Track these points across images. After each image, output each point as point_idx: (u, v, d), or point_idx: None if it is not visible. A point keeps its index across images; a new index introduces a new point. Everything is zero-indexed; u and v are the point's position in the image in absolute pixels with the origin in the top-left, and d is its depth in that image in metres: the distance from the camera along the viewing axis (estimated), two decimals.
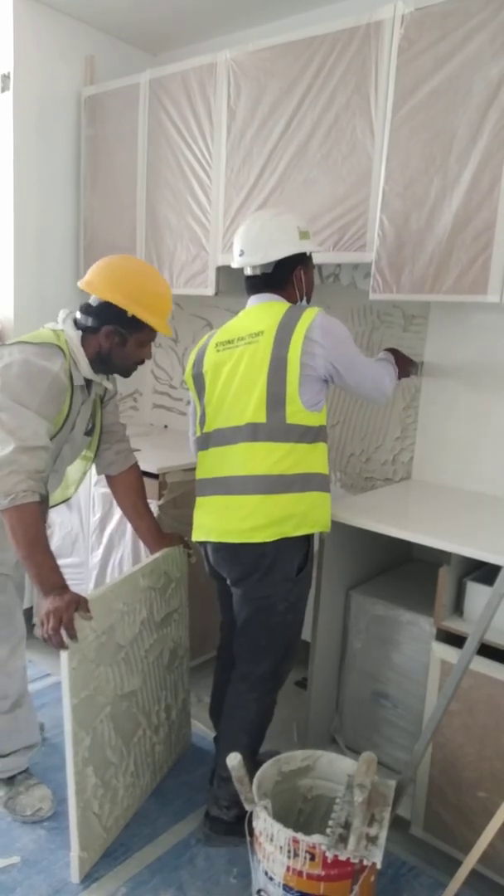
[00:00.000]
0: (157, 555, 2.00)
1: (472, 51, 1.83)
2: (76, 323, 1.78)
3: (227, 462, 1.77)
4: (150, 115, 2.68)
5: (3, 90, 2.75)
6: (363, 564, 2.17)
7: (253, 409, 1.73)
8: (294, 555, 1.77)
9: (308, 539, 1.81)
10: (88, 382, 1.83)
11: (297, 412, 1.71)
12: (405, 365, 2.11)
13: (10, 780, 1.97)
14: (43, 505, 1.62)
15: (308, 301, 1.91)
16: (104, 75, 2.95)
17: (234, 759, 1.49)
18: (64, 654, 1.58)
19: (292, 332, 1.71)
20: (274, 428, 1.71)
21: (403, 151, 1.99)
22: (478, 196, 1.87)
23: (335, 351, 1.73)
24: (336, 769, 1.69)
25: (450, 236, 1.93)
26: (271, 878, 1.48)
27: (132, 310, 1.70)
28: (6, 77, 2.73)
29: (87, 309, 1.76)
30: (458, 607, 1.82)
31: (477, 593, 1.76)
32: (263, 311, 1.81)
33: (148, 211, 2.74)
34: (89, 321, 1.75)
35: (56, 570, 1.60)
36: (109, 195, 2.89)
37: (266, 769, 1.63)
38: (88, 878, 1.74)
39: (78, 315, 1.79)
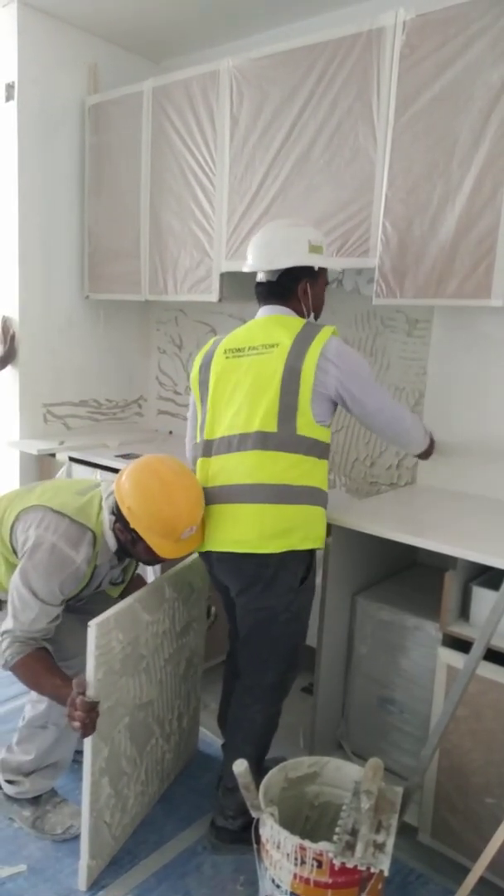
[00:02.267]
0: (182, 563, 1.99)
1: (473, 56, 1.84)
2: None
3: (232, 470, 1.76)
4: (153, 122, 2.69)
5: (7, 99, 2.77)
6: (368, 569, 2.17)
7: (262, 418, 1.72)
8: (297, 566, 1.77)
9: (311, 551, 1.80)
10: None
11: (308, 424, 1.71)
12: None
13: (36, 800, 1.94)
14: (43, 649, 1.77)
15: (316, 318, 1.90)
16: (107, 84, 2.97)
17: (240, 766, 1.48)
18: (90, 665, 1.59)
19: (308, 346, 1.72)
20: (284, 438, 1.71)
21: (406, 157, 2.00)
22: (480, 201, 1.87)
23: (349, 373, 1.72)
24: (343, 775, 1.68)
25: (453, 241, 1.93)
26: (278, 886, 1.48)
27: (137, 528, 1.69)
28: (11, 86, 2.75)
29: (114, 501, 1.76)
30: (464, 612, 1.82)
31: (483, 598, 1.76)
32: (277, 324, 1.80)
33: (152, 218, 2.75)
34: (114, 514, 1.77)
35: (63, 685, 1.66)
36: (113, 202, 2.90)
37: (272, 776, 1.62)
38: (95, 885, 1.73)
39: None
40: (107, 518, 1.78)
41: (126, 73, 3.03)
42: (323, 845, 1.41)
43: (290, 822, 1.56)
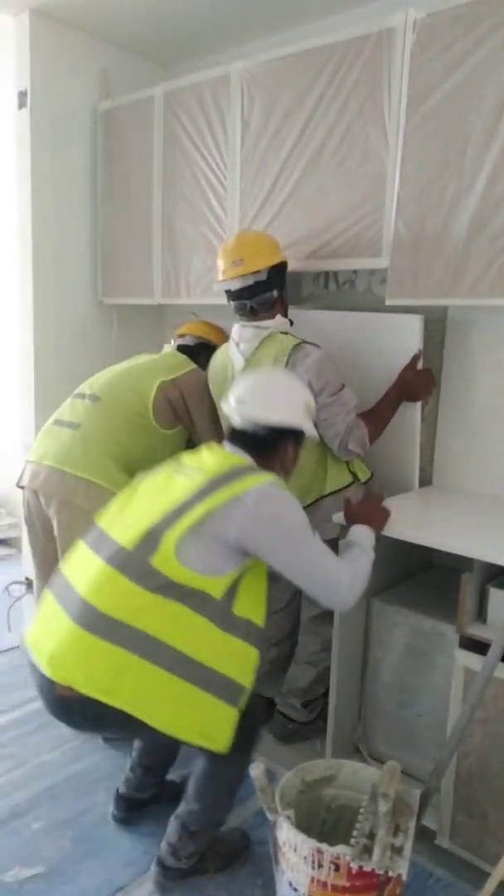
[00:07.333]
0: None
1: (484, 55, 1.83)
2: None
3: None
4: (164, 127, 2.70)
5: (20, 107, 2.80)
6: (384, 572, 2.15)
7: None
8: None
9: None
10: None
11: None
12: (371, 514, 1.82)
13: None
14: None
15: (287, 478, 1.75)
16: (119, 89, 2.99)
17: (256, 769, 1.48)
18: None
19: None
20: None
21: (417, 157, 1.99)
22: (493, 199, 1.86)
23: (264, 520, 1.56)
24: (359, 779, 1.67)
25: (466, 240, 1.92)
26: (296, 889, 1.47)
27: None
28: (23, 94, 2.78)
29: None
30: (481, 614, 1.80)
31: (500, 599, 1.74)
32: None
33: (164, 222, 2.76)
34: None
35: (391, 392, 2.20)
36: (126, 207, 2.92)
37: (289, 779, 1.62)
38: (113, 888, 1.74)
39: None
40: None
41: (137, 78, 3.04)
42: (340, 849, 1.40)
43: (307, 826, 1.55)
